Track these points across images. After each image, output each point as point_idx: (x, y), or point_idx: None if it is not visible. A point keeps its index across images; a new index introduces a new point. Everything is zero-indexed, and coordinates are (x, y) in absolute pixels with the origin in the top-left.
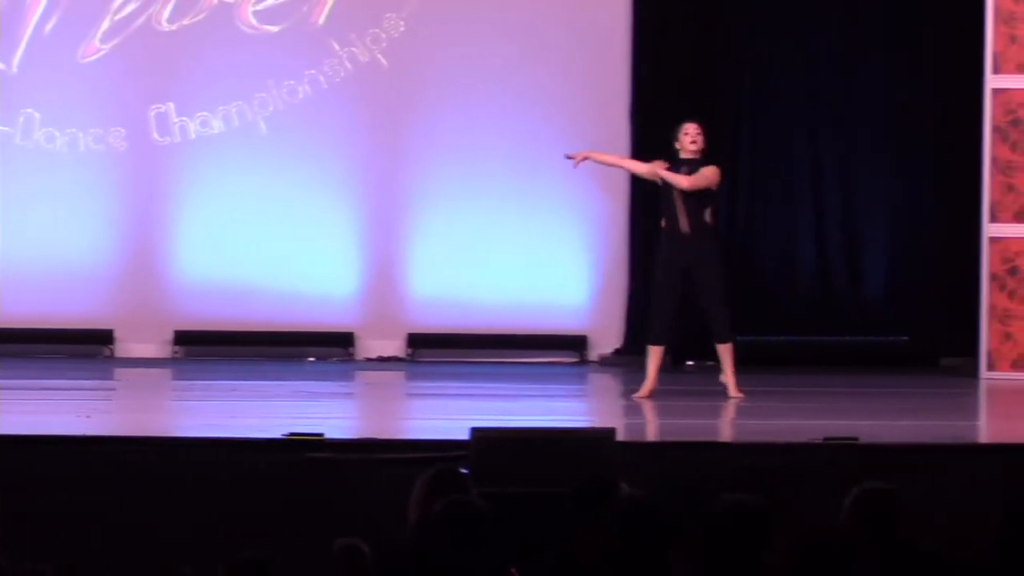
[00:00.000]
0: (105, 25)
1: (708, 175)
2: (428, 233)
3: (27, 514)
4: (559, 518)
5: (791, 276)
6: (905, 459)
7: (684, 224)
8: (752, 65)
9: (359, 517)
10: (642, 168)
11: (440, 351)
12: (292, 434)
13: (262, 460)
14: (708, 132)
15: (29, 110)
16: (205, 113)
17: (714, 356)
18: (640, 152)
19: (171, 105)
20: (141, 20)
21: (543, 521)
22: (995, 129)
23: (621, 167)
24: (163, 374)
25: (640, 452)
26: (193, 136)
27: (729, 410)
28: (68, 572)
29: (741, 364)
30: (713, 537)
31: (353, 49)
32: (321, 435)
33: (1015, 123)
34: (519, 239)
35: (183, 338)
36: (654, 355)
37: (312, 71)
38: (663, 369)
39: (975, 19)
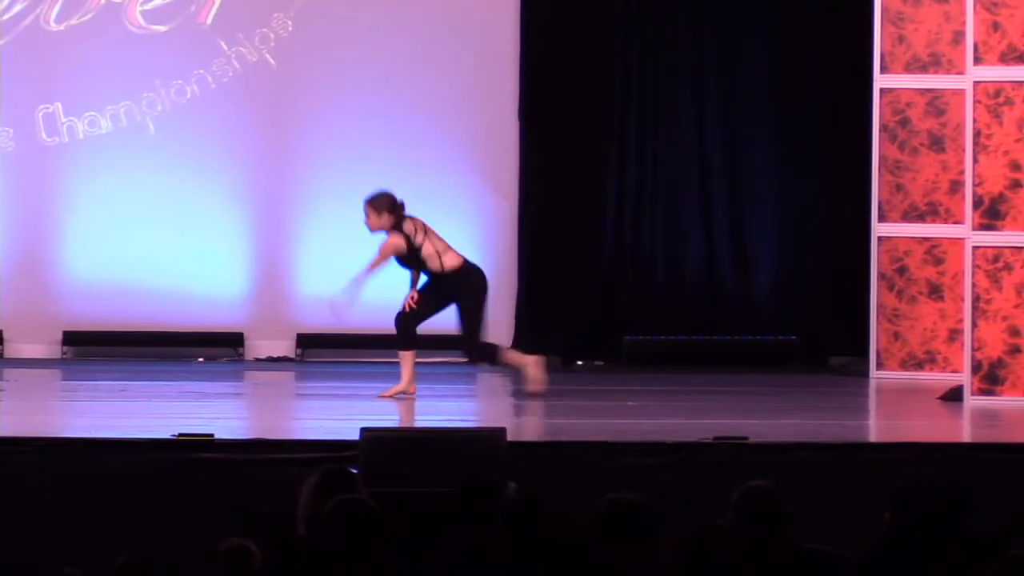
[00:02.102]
0: None
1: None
2: (316, 232)
3: None
4: (448, 517)
5: (679, 275)
6: (794, 458)
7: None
8: (639, 61)
9: (249, 517)
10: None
11: (329, 351)
12: (182, 434)
13: (152, 460)
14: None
15: None
16: (93, 113)
17: (604, 356)
18: (528, 151)
19: (59, 105)
20: (29, 20)
21: (432, 520)
22: (883, 128)
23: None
24: (52, 374)
25: (530, 452)
26: (81, 136)
27: (619, 410)
28: None
29: (631, 362)
30: (597, 535)
31: (241, 49)
32: (211, 435)
33: (903, 123)
34: None
35: (72, 338)
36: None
37: (200, 71)
38: (555, 368)
39: (863, 17)
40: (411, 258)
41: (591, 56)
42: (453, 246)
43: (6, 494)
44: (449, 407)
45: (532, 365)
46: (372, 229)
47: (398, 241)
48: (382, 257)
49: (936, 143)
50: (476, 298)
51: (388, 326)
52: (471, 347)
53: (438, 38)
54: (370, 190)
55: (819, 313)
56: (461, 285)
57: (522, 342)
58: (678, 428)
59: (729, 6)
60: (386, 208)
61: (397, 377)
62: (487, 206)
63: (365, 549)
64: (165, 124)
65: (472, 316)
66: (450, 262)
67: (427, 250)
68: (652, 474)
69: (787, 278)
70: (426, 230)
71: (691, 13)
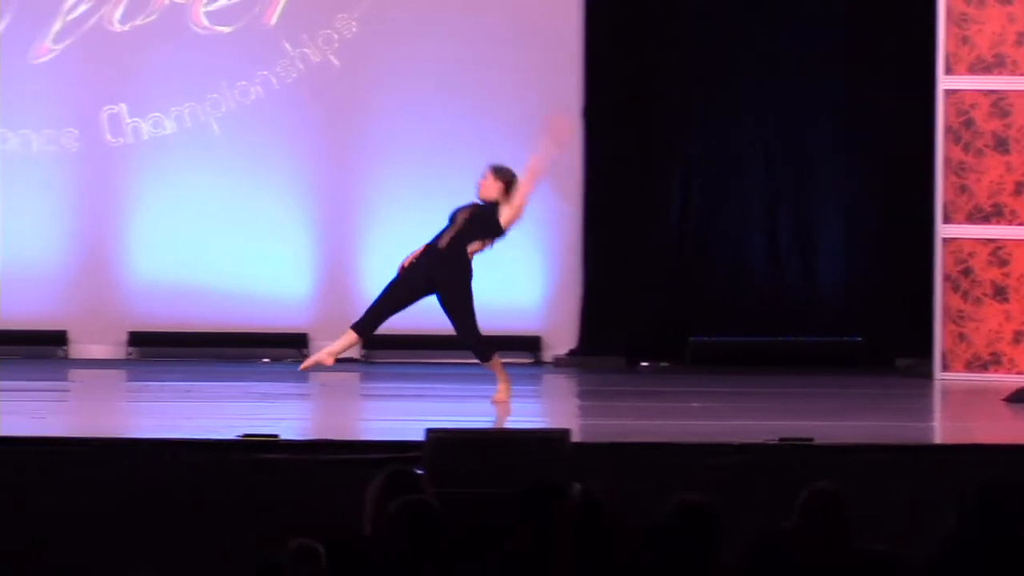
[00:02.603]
0: (57, 26)
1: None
2: (380, 233)
3: None
4: (512, 518)
5: (744, 276)
6: (860, 459)
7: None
8: (705, 66)
9: (314, 518)
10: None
11: (395, 352)
12: (247, 435)
13: (217, 461)
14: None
15: None
16: (157, 114)
17: (668, 357)
18: (592, 152)
19: (123, 106)
20: (93, 21)
21: (497, 521)
22: (947, 130)
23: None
24: (117, 375)
25: (594, 453)
26: (146, 137)
27: (684, 411)
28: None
29: (696, 364)
30: (663, 537)
31: (305, 50)
32: (276, 436)
33: (967, 124)
34: None
35: (137, 339)
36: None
37: (264, 72)
38: (619, 369)
39: (927, 19)
40: (496, 231)
41: (654, 56)
42: None
43: (72, 494)
44: (514, 408)
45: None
46: (481, 195)
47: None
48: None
49: (1000, 144)
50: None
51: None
52: (475, 341)
53: (502, 39)
54: (433, 191)
55: (884, 314)
56: (470, 277)
57: (586, 344)
58: (743, 429)
59: (794, 7)
60: (504, 180)
61: (462, 377)
62: (550, 208)
63: (429, 549)
64: (229, 125)
65: (472, 310)
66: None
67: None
68: (717, 475)
69: (852, 279)
70: None
71: (755, 14)
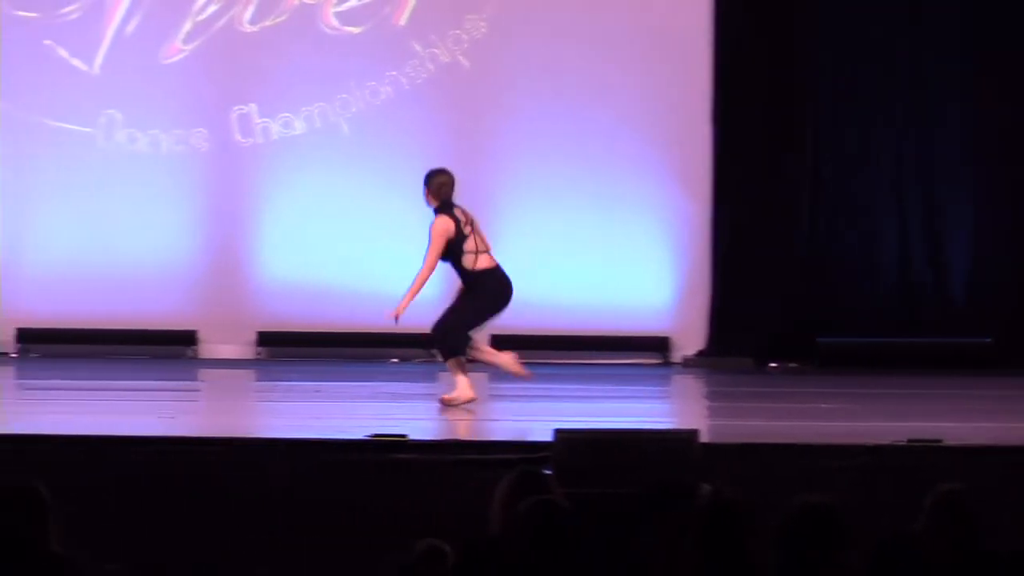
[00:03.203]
0: (187, 26)
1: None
2: (508, 233)
3: (109, 515)
4: (641, 519)
5: (873, 277)
6: (990, 461)
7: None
8: (833, 65)
9: (442, 518)
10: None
11: (524, 352)
12: (376, 435)
13: (346, 461)
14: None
15: (111, 111)
16: (287, 114)
17: (797, 358)
18: (721, 153)
19: (253, 106)
20: (223, 21)
21: (625, 522)
22: None
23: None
24: (246, 375)
25: (723, 454)
26: (275, 137)
27: (812, 412)
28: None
29: (825, 365)
30: (789, 537)
31: (434, 50)
32: (404, 436)
33: None
34: (601, 240)
35: (266, 339)
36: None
37: (394, 72)
38: (748, 370)
39: None
40: (453, 248)
41: (783, 58)
42: (492, 252)
43: (200, 494)
44: (642, 408)
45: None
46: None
47: (447, 225)
48: (435, 245)
49: None
50: (491, 304)
51: (583, 327)
52: (440, 336)
53: (631, 40)
54: (561, 192)
55: (1015, 315)
56: (487, 287)
57: (715, 344)
58: (872, 430)
59: (923, 4)
60: (434, 186)
61: (589, 377)
62: (680, 208)
63: (558, 550)
64: (359, 125)
65: (470, 315)
66: (483, 263)
67: (468, 245)
68: (845, 476)
69: (982, 280)
70: (474, 224)
71: (884, 13)
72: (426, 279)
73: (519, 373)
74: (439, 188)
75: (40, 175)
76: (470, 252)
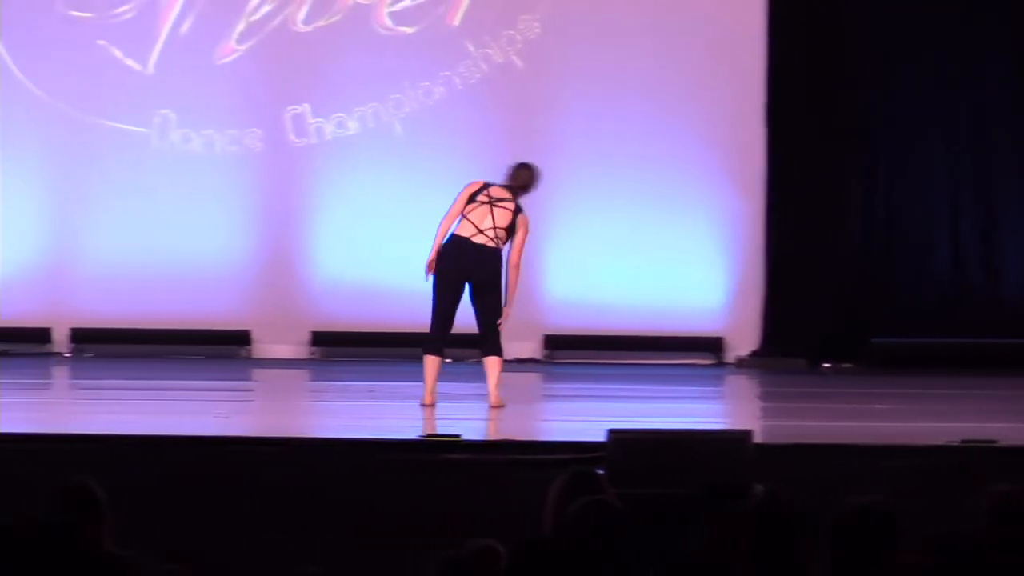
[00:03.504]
0: (241, 26)
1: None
2: (563, 233)
3: (165, 515)
4: (694, 519)
5: (927, 277)
6: None
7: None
8: (886, 67)
9: (495, 518)
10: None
11: (576, 353)
12: (429, 435)
13: (399, 461)
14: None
15: (165, 111)
16: (341, 114)
17: (851, 358)
18: (775, 153)
19: (307, 106)
20: (277, 21)
21: (679, 522)
22: None
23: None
24: (300, 375)
25: (776, 454)
26: (329, 137)
27: (866, 413)
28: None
29: (879, 365)
30: (842, 538)
31: (488, 50)
32: (458, 436)
33: None
34: (654, 240)
35: (320, 338)
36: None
37: (447, 72)
38: (802, 370)
39: None
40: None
41: (837, 57)
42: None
43: (255, 494)
44: (696, 409)
45: None
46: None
47: (472, 183)
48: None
49: None
50: (438, 279)
51: (637, 327)
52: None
53: (684, 40)
54: (615, 192)
55: None
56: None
57: (769, 345)
58: (925, 431)
59: (976, 7)
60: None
61: (643, 378)
62: (733, 209)
63: (610, 549)
64: (412, 125)
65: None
66: (459, 231)
67: (468, 210)
68: (898, 477)
69: None
70: (492, 205)
71: (937, 13)
72: (444, 230)
73: None
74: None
75: (94, 175)
76: (463, 218)
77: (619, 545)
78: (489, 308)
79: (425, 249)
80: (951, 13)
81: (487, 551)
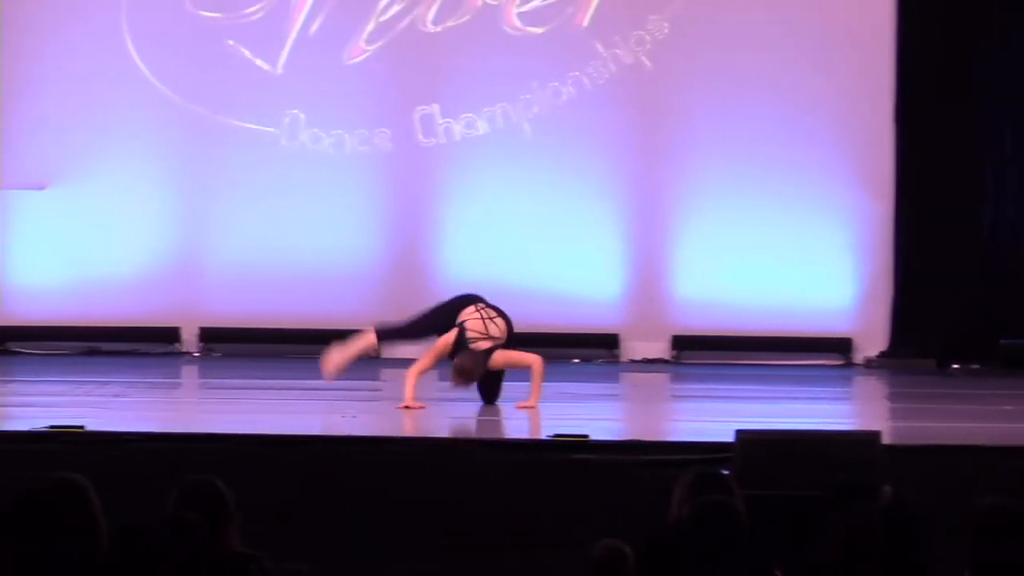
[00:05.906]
0: (370, 27)
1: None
2: (692, 235)
3: (292, 513)
4: (822, 520)
5: None
6: None
7: None
8: (1017, 63)
9: (622, 518)
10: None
11: (704, 353)
12: (557, 435)
13: (528, 461)
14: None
15: (294, 111)
16: (470, 115)
17: (979, 359)
18: (905, 153)
19: (436, 107)
20: (406, 22)
21: (807, 523)
22: None
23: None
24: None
25: (905, 455)
26: (458, 138)
27: (995, 414)
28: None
29: (1007, 366)
30: (977, 539)
31: (617, 51)
32: (586, 436)
33: None
34: (783, 240)
35: None
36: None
37: (576, 73)
38: (930, 371)
39: None
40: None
41: (968, 54)
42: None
43: (382, 493)
44: (824, 410)
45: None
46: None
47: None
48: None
49: None
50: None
51: (764, 328)
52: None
53: (813, 39)
54: (744, 192)
55: None
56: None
57: (897, 345)
58: None
59: None
60: None
61: (771, 378)
62: (862, 209)
63: (731, 551)
64: (541, 126)
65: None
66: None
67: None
68: None
69: None
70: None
71: None
72: None
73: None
74: None
75: (223, 175)
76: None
77: (740, 545)
78: None
79: (552, 250)
80: None
81: (615, 552)
